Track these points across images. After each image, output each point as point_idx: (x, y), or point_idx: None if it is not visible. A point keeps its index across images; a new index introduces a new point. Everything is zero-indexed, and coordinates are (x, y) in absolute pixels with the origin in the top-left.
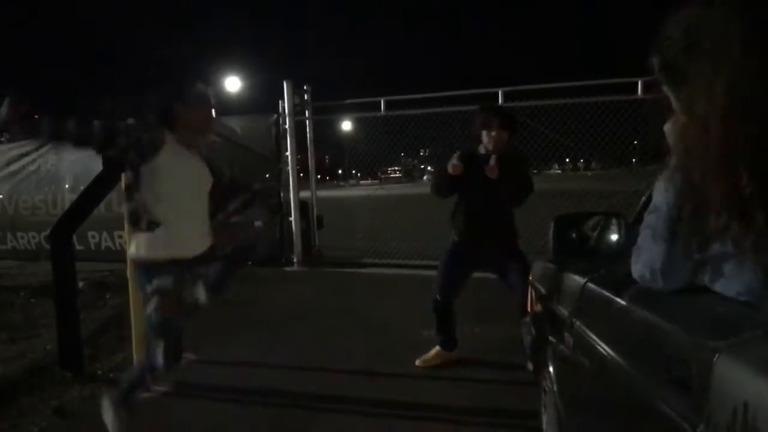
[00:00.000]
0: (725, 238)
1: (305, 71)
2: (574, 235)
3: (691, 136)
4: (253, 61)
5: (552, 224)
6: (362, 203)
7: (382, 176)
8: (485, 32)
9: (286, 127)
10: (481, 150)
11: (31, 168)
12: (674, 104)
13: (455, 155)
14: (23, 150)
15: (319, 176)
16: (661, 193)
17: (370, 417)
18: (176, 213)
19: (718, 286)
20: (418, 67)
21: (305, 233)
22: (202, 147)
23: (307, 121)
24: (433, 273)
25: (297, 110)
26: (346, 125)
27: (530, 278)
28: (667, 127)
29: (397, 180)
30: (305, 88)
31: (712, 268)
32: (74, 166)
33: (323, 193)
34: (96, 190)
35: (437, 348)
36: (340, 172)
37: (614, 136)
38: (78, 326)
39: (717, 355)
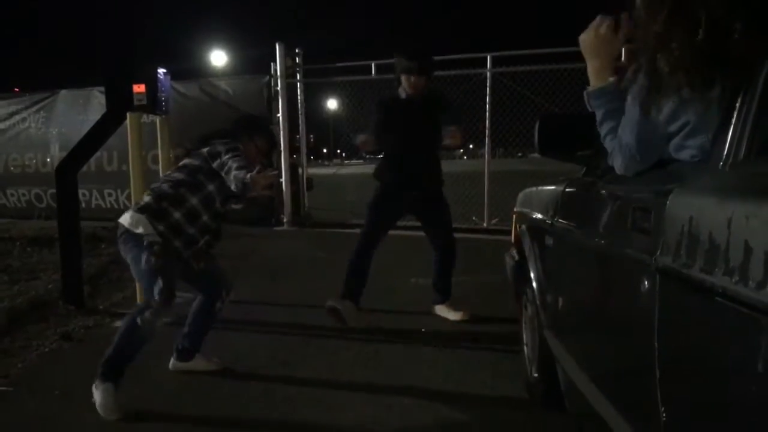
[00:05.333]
0: (682, 102)
1: (297, 38)
2: (556, 135)
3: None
4: (244, 28)
5: (537, 123)
6: (349, 178)
7: (368, 156)
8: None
9: (278, 89)
10: (402, 94)
11: (22, 126)
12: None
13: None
14: (13, 108)
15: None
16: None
17: (359, 342)
18: None
19: (678, 154)
20: (411, 33)
21: (295, 195)
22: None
23: (298, 84)
24: (416, 233)
25: (289, 72)
26: (332, 103)
27: (514, 209)
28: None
29: None
30: (297, 51)
31: (673, 140)
32: (64, 124)
33: (311, 171)
34: (100, 130)
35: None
36: (325, 151)
37: None
38: (80, 262)
39: (670, 196)
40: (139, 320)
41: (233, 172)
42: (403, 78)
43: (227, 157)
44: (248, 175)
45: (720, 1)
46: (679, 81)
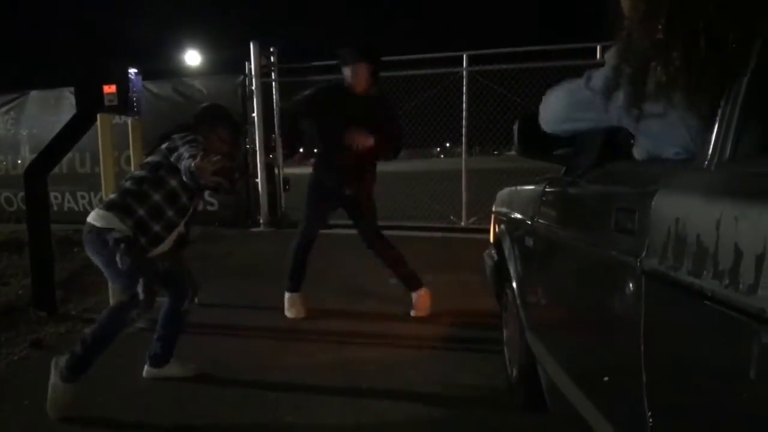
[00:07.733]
0: (661, 97)
1: (273, 37)
2: (536, 134)
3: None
4: (218, 28)
5: (517, 123)
6: None
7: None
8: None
9: (253, 88)
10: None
11: None
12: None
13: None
14: None
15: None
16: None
17: (337, 345)
18: None
19: (662, 151)
20: (387, 31)
21: (271, 195)
22: None
23: (273, 83)
24: (398, 233)
25: (264, 72)
26: None
27: (493, 209)
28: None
29: None
30: (272, 50)
31: (653, 137)
32: (35, 125)
33: (287, 171)
34: (70, 132)
35: (288, 294)
36: (301, 150)
37: None
38: (52, 267)
39: (655, 196)
40: (123, 316)
41: (183, 162)
42: (348, 70)
43: (183, 148)
44: (192, 163)
45: (716, 8)
46: (673, 87)
